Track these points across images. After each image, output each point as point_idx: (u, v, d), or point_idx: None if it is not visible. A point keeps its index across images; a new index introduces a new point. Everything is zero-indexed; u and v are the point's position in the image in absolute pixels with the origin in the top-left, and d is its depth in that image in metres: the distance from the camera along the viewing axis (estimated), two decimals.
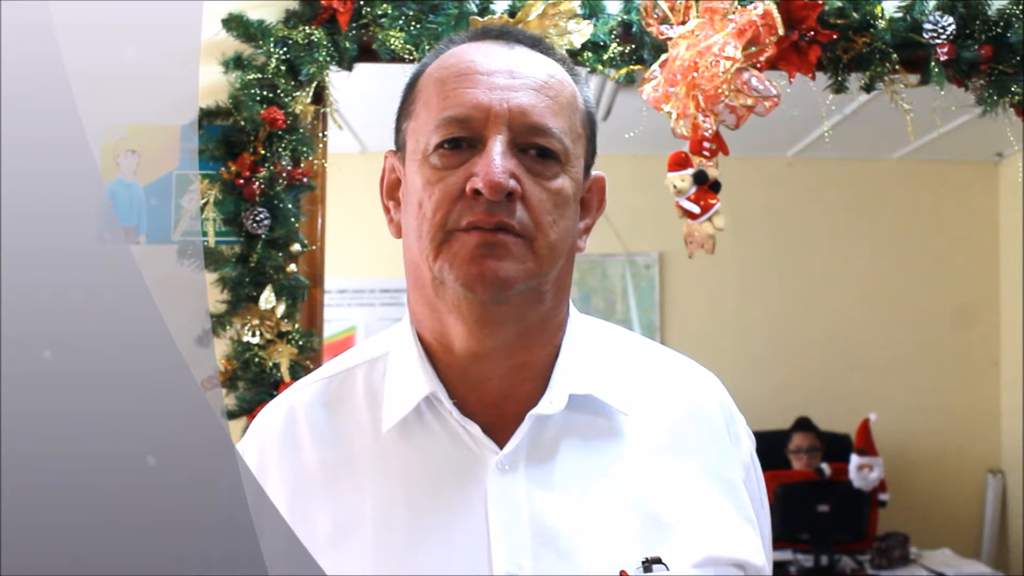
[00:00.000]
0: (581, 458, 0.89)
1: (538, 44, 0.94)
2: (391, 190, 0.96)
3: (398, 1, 1.97)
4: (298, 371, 1.94)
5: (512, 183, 0.84)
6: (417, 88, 0.93)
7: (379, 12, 1.98)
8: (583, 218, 0.95)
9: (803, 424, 4.11)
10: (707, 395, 0.99)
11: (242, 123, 1.94)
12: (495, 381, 0.90)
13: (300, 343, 1.98)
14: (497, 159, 0.83)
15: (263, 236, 1.95)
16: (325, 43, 1.98)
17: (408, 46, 1.95)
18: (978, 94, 2.00)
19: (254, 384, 1.94)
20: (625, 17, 2.01)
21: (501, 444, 0.88)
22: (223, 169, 1.95)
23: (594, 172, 0.97)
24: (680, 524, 0.88)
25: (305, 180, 1.99)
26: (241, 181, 1.94)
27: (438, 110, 0.87)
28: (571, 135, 0.89)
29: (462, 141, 0.86)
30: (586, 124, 0.94)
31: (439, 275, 0.86)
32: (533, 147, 0.87)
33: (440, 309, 0.88)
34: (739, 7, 1.91)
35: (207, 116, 1.99)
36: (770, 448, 3.79)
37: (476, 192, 0.83)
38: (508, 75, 0.88)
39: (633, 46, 2.00)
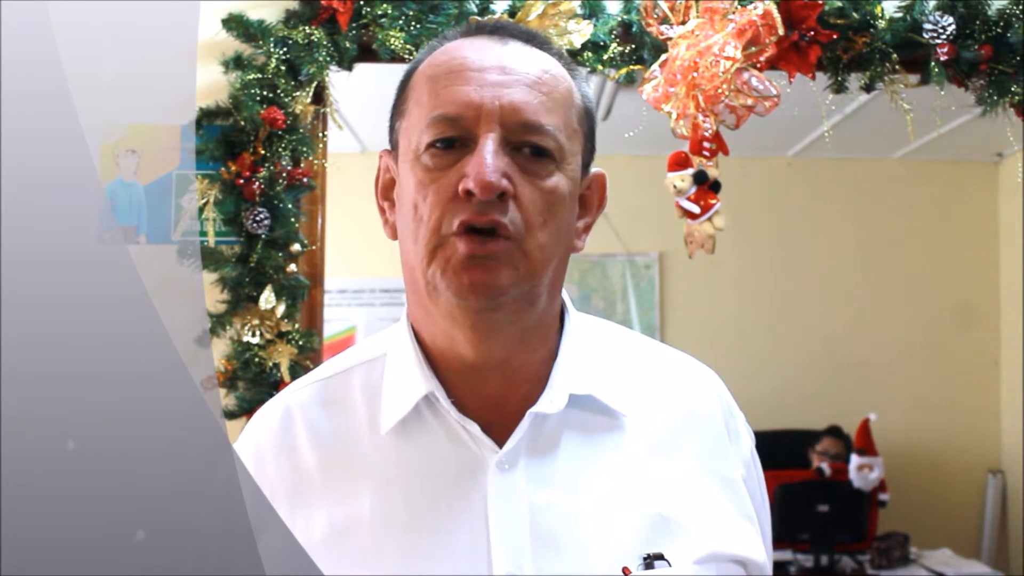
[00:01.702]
0: (581, 456, 0.89)
1: (533, 39, 0.92)
2: (386, 190, 0.95)
3: (398, 1, 1.97)
4: (298, 371, 1.93)
5: (504, 183, 0.82)
6: (409, 86, 0.91)
7: (379, 12, 1.98)
8: (582, 216, 0.93)
9: (836, 431, 4.13)
10: (707, 392, 0.98)
11: (242, 123, 1.94)
12: (493, 382, 0.89)
13: (300, 343, 1.98)
14: (488, 158, 0.82)
15: (263, 236, 1.95)
16: (325, 43, 1.98)
17: (408, 46, 1.95)
18: (978, 94, 2.00)
19: (254, 384, 1.94)
20: (625, 17, 2.00)
21: (500, 444, 0.87)
22: (223, 169, 1.95)
23: (594, 169, 0.95)
24: (682, 521, 0.88)
25: (305, 180, 1.99)
26: (241, 181, 1.94)
27: (429, 108, 0.86)
28: (566, 132, 0.87)
29: (454, 140, 0.84)
30: (583, 120, 0.91)
31: (432, 281, 0.85)
32: (526, 145, 0.85)
33: (436, 314, 0.88)
34: (739, 7, 1.90)
35: (207, 116, 1.99)
36: (770, 448, 3.78)
37: (468, 193, 0.82)
38: (500, 71, 0.86)
39: (633, 46, 2.00)
